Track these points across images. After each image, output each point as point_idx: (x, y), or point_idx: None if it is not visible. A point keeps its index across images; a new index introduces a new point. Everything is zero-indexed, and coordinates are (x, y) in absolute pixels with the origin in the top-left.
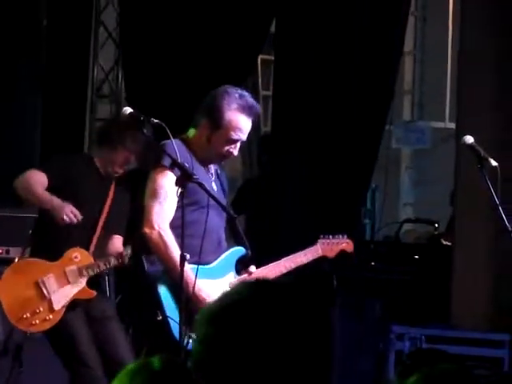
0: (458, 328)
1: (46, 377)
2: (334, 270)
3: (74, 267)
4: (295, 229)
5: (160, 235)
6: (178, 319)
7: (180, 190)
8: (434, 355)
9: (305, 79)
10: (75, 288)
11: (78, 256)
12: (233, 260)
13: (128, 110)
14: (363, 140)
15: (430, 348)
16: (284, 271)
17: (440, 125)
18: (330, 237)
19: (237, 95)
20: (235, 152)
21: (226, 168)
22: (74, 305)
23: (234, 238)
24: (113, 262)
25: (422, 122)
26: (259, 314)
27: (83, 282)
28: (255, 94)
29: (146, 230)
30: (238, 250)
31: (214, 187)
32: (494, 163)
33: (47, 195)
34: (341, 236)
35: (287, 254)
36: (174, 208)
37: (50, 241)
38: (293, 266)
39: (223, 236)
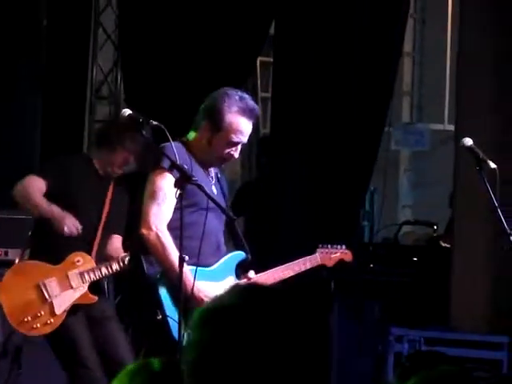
0: (456, 330)
1: (45, 379)
2: (331, 276)
3: (76, 271)
4: (294, 231)
5: (157, 236)
6: (177, 319)
7: (179, 192)
8: (433, 357)
9: (304, 81)
10: (77, 292)
11: (81, 260)
12: (233, 264)
13: (127, 111)
14: (362, 142)
15: (429, 350)
16: (282, 278)
17: (439, 127)
18: (329, 246)
19: (237, 97)
20: (236, 154)
21: (226, 170)
22: (75, 309)
23: (233, 242)
24: (115, 267)
25: (421, 124)
26: (251, 318)
27: (85, 286)
28: (254, 96)
29: (144, 231)
30: (238, 254)
31: (214, 190)
32: (492, 165)
33: (47, 205)
34: (339, 246)
35: (286, 256)
36: (172, 209)
37: (49, 243)
38: (291, 273)
39: (222, 239)
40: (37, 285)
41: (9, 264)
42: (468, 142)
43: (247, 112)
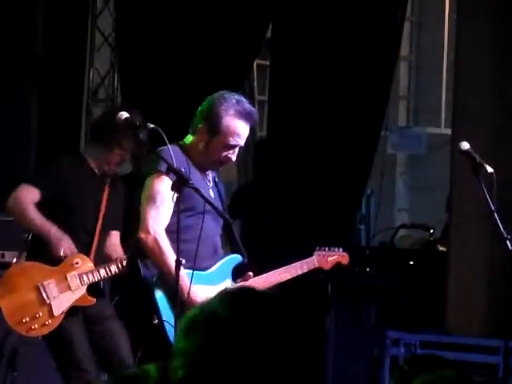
0: (453, 334)
1: (40, 381)
2: (328, 279)
3: (75, 273)
4: (291, 234)
5: (155, 240)
6: (173, 323)
7: (176, 195)
8: (432, 361)
9: (300, 84)
10: (76, 294)
11: (80, 262)
12: (229, 267)
13: (124, 114)
14: (359, 146)
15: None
16: (279, 281)
17: (435, 131)
18: (326, 249)
19: (234, 101)
20: (233, 157)
21: (222, 173)
22: (73, 310)
23: (230, 245)
24: (114, 269)
25: (417, 127)
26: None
27: (84, 288)
28: (251, 99)
29: (142, 234)
30: (235, 258)
31: (211, 194)
32: (489, 169)
33: (44, 223)
34: (337, 249)
35: (283, 260)
36: (170, 213)
37: (47, 245)
38: (288, 276)
39: (219, 243)
40: (36, 286)
41: (5, 266)
42: (465, 145)
43: (244, 115)
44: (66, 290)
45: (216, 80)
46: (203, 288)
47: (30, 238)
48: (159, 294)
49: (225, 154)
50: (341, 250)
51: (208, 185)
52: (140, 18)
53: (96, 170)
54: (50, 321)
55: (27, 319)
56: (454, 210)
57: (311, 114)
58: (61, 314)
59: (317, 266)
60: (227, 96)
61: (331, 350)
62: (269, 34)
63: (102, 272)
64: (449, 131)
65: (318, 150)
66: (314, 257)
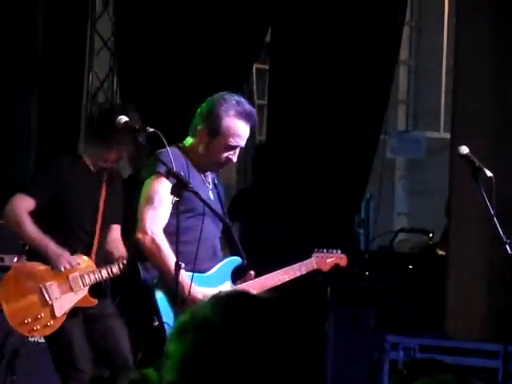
0: (452, 338)
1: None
2: (327, 282)
3: (76, 274)
4: (290, 238)
5: (153, 240)
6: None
7: (175, 199)
8: (431, 365)
9: (300, 88)
10: (78, 295)
11: (81, 263)
12: (229, 269)
13: (124, 118)
14: (358, 150)
15: (427, 358)
16: (278, 283)
17: (435, 135)
18: (325, 250)
19: (234, 101)
20: (234, 158)
21: (221, 176)
22: (73, 311)
23: (229, 248)
24: (115, 270)
25: (416, 132)
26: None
27: (85, 289)
28: (250, 103)
29: (139, 235)
30: (234, 260)
31: (211, 196)
32: (489, 173)
33: (41, 238)
34: (335, 250)
35: (281, 263)
36: (169, 214)
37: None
38: (287, 278)
39: (218, 245)
40: (38, 287)
41: (4, 270)
42: (464, 150)
43: (244, 115)
44: (68, 291)
45: (215, 84)
46: (203, 290)
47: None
48: (159, 295)
49: (225, 154)
50: (339, 251)
51: (207, 187)
52: (139, 21)
53: (92, 167)
54: (51, 322)
55: (29, 320)
56: (454, 214)
57: (310, 118)
58: (63, 315)
59: (315, 267)
60: (227, 97)
61: (330, 353)
62: (268, 39)
63: (104, 272)
64: (448, 135)
65: (317, 154)
66: (313, 258)
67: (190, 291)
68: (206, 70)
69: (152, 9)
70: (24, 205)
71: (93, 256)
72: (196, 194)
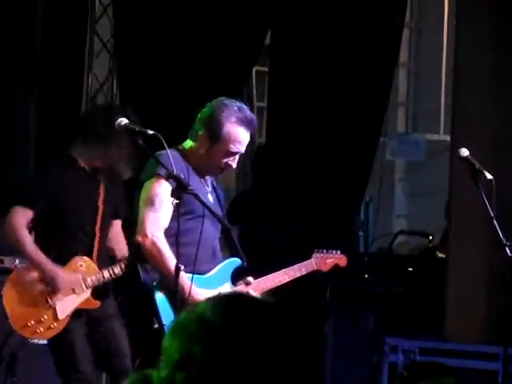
0: (451, 340)
1: None
2: (327, 283)
3: (78, 276)
4: (289, 240)
5: (153, 243)
6: None
7: (175, 201)
8: (431, 368)
9: (299, 90)
10: (80, 297)
11: (83, 265)
12: (229, 271)
13: (124, 121)
14: (357, 152)
15: (428, 361)
16: (278, 284)
17: (434, 137)
18: (324, 251)
19: (236, 108)
20: (234, 164)
21: (220, 179)
22: (77, 313)
23: (229, 250)
24: (117, 271)
25: (416, 134)
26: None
27: (88, 291)
28: (249, 106)
29: (139, 238)
30: (234, 261)
31: (210, 198)
32: (489, 176)
33: (39, 257)
34: (335, 251)
35: (281, 266)
36: (169, 216)
37: (50, 247)
38: (287, 279)
39: (218, 246)
40: (40, 289)
41: (4, 272)
42: (464, 152)
43: (245, 122)
44: (71, 294)
45: (215, 86)
46: (203, 291)
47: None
48: (160, 297)
49: (225, 160)
50: (339, 252)
51: (207, 189)
52: (139, 24)
53: (87, 168)
54: (54, 324)
55: (32, 323)
56: (453, 216)
57: (310, 121)
58: (66, 317)
59: (315, 268)
60: (228, 103)
61: (329, 356)
62: (267, 41)
63: (106, 274)
64: (448, 137)
65: (317, 156)
66: (313, 259)
67: (190, 293)
68: (206, 72)
69: (152, 11)
70: (22, 219)
71: (94, 257)
72: (196, 196)
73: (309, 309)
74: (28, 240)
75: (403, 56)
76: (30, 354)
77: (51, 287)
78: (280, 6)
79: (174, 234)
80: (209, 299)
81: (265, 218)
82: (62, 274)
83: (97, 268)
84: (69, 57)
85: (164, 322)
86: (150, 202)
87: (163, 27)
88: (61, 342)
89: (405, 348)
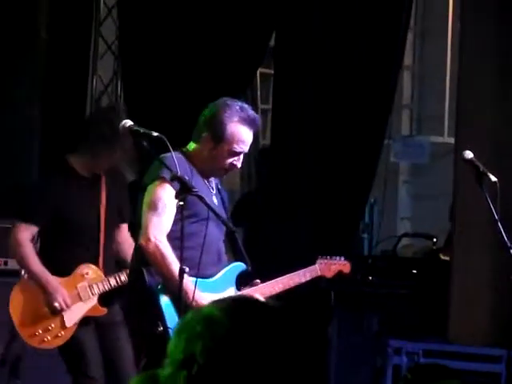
0: (455, 343)
1: None
2: (331, 287)
3: (85, 284)
4: (294, 242)
5: (156, 246)
6: None
7: (180, 203)
8: (435, 370)
9: (304, 93)
10: (87, 305)
11: (89, 272)
12: (233, 275)
13: (128, 122)
14: (362, 154)
15: (432, 363)
16: (282, 289)
17: (439, 139)
18: (328, 257)
19: (237, 107)
20: (238, 164)
21: (225, 181)
22: (86, 320)
23: (233, 253)
24: (124, 278)
25: (420, 136)
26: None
27: (95, 299)
28: (254, 108)
29: (142, 241)
30: (239, 266)
31: (215, 201)
32: (493, 178)
33: (43, 274)
34: (338, 258)
35: (285, 268)
36: (172, 220)
37: (55, 254)
38: (291, 284)
39: (223, 249)
40: (47, 298)
41: (9, 273)
42: (469, 154)
43: (248, 121)
44: (77, 301)
45: (219, 88)
46: (207, 295)
47: (38, 249)
48: (165, 301)
49: (230, 160)
50: (342, 258)
51: (211, 192)
52: (143, 25)
53: (87, 176)
54: (62, 332)
55: (40, 331)
56: (458, 219)
57: (314, 123)
58: (73, 325)
59: (319, 274)
60: (230, 103)
61: (334, 358)
62: (272, 43)
63: (112, 281)
64: (452, 140)
65: (321, 158)
66: (317, 265)
67: (193, 297)
68: (210, 74)
69: (156, 12)
70: (26, 234)
71: (100, 264)
72: (201, 198)
73: (313, 310)
74: (32, 258)
75: (407, 59)
76: (33, 357)
77: (51, 302)
78: (285, 8)
79: (176, 238)
80: (215, 301)
81: (269, 219)
82: (64, 291)
83: (103, 275)
84: (73, 58)
85: (169, 325)
86: (153, 206)
87: (168, 29)
88: (70, 349)
89: (409, 350)
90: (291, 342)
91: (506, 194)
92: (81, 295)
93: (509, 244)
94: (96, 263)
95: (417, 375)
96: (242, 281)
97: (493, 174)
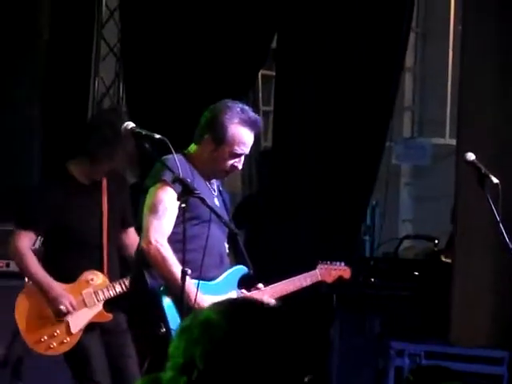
0: (457, 344)
1: None
2: (333, 289)
3: (90, 290)
4: (295, 245)
5: (157, 249)
6: None
7: (182, 205)
8: (437, 372)
9: (305, 95)
10: (92, 311)
11: (94, 278)
12: (236, 278)
13: (130, 124)
14: (363, 156)
15: (433, 365)
16: (283, 294)
17: (440, 141)
18: (329, 262)
19: (238, 109)
20: (240, 166)
21: (226, 184)
22: (90, 327)
23: (235, 256)
24: (128, 283)
25: (422, 138)
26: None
27: (100, 305)
28: (255, 109)
29: (143, 244)
30: (241, 269)
31: (217, 203)
32: (495, 180)
33: (45, 280)
34: (339, 263)
35: (286, 271)
36: (173, 223)
37: (59, 260)
38: (292, 288)
39: (225, 251)
40: (51, 303)
41: (11, 276)
42: (470, 156)
43: (249, 123)
44: (83, 307)
45: (221, 90)
46: (209, 298)
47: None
48: (167, 303)
49: (231, 162)
50: (343, 264)
51: (213, 194)
52: (145, 28)
53: (87, 183)
54: (68, 339)
55: (45, 338)
56: (459, 221)
57: (316, 125)
58: (79, 331)
59: (320, 279)
60: (231, 105)
61: (335, 360)
62: (274, 45)
63: (118, 287)
64: (453, 142)
65: (323, 160)
66: (317, 270)
67: (195, 299)
68: (212, 75)
69: (158, 14)
70: (26, 241)
71: (105, 270)
72: (203, 200)
73: (315, 313)
74: (35, 266)
75: (409, 61)
76: (35, 359)
77: (56, 306)
78: (287, 10)
79: (178, 240)
80: (214, 304)
81: (271, 222)
82: (68, 296)
83: (108, 281)
84: (75, 60)
85: (171, 327)
86: (154, 209)
87: (169, 31)
88: (76, 355)
89: (411, 352)
90: (291, 344)
91: (508, 195)
92: (86, 301)
93: (510, 246)
94: (101, 270)
95: (419, 377)
96: (244, 284)
97: (494, 175)
